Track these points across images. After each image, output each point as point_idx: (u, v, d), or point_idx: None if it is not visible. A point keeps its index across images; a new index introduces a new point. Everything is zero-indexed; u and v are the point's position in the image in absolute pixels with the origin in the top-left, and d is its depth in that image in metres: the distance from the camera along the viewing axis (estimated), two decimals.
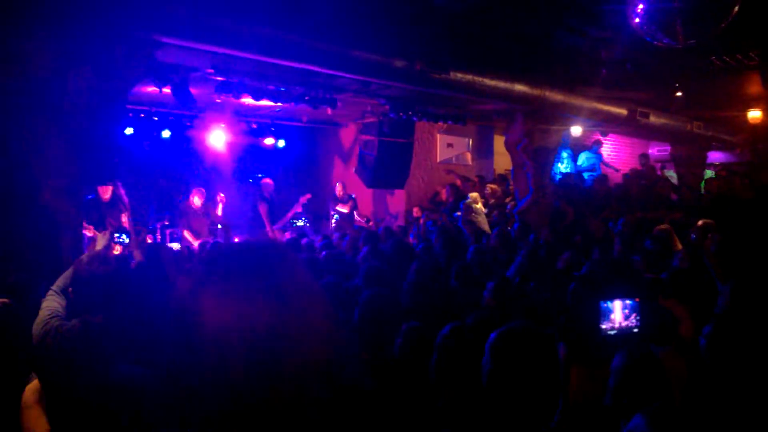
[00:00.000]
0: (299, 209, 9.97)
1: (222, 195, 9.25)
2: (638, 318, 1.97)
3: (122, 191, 7.87)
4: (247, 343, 0.81)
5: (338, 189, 10.35)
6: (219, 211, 9.20)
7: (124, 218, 7.66)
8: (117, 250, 6.33)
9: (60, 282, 2.93)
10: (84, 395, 2.44)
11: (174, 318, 0.87)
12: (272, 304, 0.84)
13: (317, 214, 11.18)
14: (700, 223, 5.32)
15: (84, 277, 2.60)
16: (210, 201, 9.17)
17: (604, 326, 1.93)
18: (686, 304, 2.96)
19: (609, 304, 1.94)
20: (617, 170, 12.34)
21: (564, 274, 3.68)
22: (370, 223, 10.14)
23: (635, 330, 1.97)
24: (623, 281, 2.12)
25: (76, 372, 2.47)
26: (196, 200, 8.88)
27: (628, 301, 1.96)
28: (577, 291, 2.16)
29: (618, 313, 1.95)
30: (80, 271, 2.62)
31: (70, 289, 2.72)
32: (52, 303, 2.80)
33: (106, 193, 7.58)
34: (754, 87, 8.46)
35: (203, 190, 9.05)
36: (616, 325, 1.95)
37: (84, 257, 2.69)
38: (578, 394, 2.00)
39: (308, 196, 9.84)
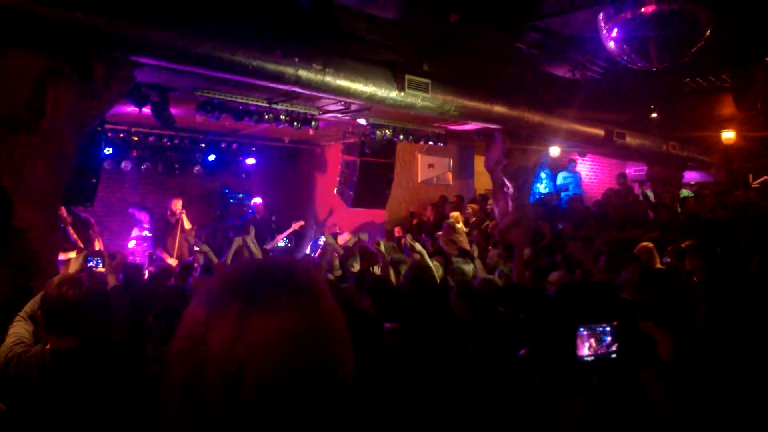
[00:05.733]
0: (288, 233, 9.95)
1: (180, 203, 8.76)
2: (617, 343, 1.95)
3: (80, 209, 7.51)
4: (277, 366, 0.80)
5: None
6: (186, 224, 8.72)
7: (93, 234, 7.35)
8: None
9: (28, 307, 2.83)
10: (48, 425, 2.37)
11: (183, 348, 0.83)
12: (305, 323, 0.83)
13: (301, 235, 11.14)
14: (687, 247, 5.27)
15: (53, 301, 2.47)
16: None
17: (580, 353, 1.91)
18: (665, 325, 2.99)
19: (585, 328, 1.91)
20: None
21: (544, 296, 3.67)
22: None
23: (613, 356, 1.95)
24: (600, 304, 2.09)
25: (38, 401, 2.40)
26: (172, 209, 8.53)
27: (606, 327, 1.94)
28: (551, 315, 2.14)
29: (595, 339, 1.93)
30: (49, 294, 2.49)
31: (39, 312, 2.63)
32: (19, 329, 2.72)
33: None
34: (727, 108, 8.64)
35: (179, 200, 8.66)
36: (594, 351, 1.93)
37: (54, 280, 2.56)
38: (559, 419, 1.99)
39: (301, 222, 9.78)
